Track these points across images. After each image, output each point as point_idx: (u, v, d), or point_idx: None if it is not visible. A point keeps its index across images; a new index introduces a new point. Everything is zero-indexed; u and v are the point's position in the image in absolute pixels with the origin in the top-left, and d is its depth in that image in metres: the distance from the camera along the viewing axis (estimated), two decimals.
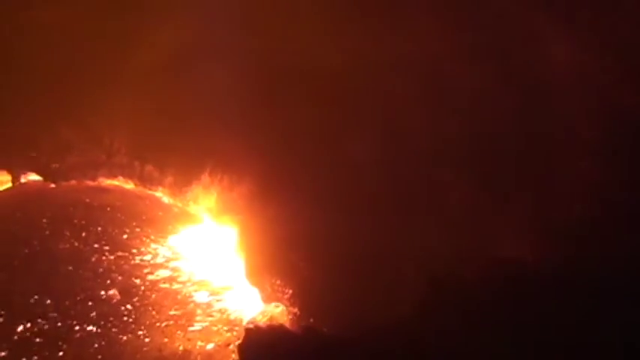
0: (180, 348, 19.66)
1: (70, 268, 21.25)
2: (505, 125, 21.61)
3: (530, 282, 16.84)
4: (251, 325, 20.00)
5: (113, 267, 21.70)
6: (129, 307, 20.51)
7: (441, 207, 20.77)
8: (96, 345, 19.18)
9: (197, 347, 19.79)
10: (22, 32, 25.16)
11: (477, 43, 23.09)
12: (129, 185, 24.78)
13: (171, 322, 20.33)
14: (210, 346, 19.92)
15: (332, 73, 23.40)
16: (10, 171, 24.72)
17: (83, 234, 22.52)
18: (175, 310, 20.81)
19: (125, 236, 22.85)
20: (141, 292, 21.11)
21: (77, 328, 19.58)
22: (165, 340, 19.77)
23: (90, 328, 19.61)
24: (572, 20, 22.70)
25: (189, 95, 23.65)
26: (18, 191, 24.49)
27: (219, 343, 20.09)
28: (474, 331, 16.23)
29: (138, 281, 21.45)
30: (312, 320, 20.32)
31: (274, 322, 20.39)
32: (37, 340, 19.20)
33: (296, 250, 21.30)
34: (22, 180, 24.81)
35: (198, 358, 19.58)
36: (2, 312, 19.71)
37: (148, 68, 24.09)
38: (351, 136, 22.52)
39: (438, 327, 16.69)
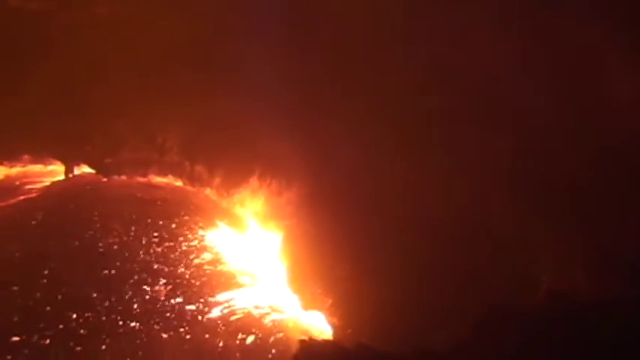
0: (221, 344, 20.01)
1: (118, 263, 21.77)
2: (561, 148, 21.20)
3: (585, 311, 16.56)
4: (305, 337, 20.18)
5: (161, 259, 22.22)
6: (172, 301, 20.92)
7: (495, 229, 20.45)
8: (137, 341, 19.61)
9: (237, 342, 20.16)
10: (81, 29, 25.68)
11: (537, 61, 22.59)
12: (178, 183, 25.32)
13: (213, 315, 20.76)
14: (250, 340, 20.33)
15: (379, 80, 23.23)
16: (64, 162, 25.58)
17: (133, 228, 23.05)
18: (218, 296, 21.30)
19: (174, 225, 23.42)
20: (185, 282, 21.58)
21: (121, 322, 20.05)
22: (207, 335, 20.14)
23: (133, 324, 20.07)
24: (635, 44, 22.22)
25: (241, 99, 23.89)
26: (71, 184, 25.23)
27: (260, 335, 20.49)
28: (524, 355, 16.09)
29: (183, 269, 21.98)
30: (349, 331, 20.47)
31: (327, 337, 20.74)
32: (82, 331, 19.72)
33: (340, 261, 21.38)
34: (76, 172, 25.63)
35: (238, 355, 19.92)
36: (50, 301, 20.28)
37: (200, 72, 24.50)
38: (402, 146, 22.37)
39: (494, 351, 16.56)
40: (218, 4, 25.00)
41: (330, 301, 21.25)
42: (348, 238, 21.46)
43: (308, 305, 21.53)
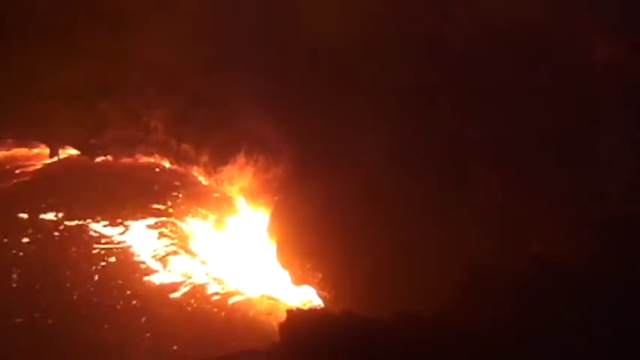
0: (222, 314, 22.00)
1: (118, 246, 23.52)
2: (542, 113, 22.16)
3: (572, 277, 17.11)
4: (293, 307, 21.50)
5: (159, 243, 24.01)
6: (174, 286, 22.71)
7: (480, 197, 21.44)
8: (142, 318, 21.30)
9: (240, 315, 22.15)
10: (62, 7, 25.54)
11: (516, 36, 23.34)
12: (165, 163, 26.50)
13: (218, 297, 22.66)
14: (251, 313, 22.32)
15: (367, 57, 23.86)
16: (49, 145, 26.42)
17: (130, 207, 24.77)
18: (220, 283, 23.17)
19: (170, 203, 25.35)
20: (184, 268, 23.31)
21: (122, 302, 21.67)
22: (215, 310, 22.14)
23: (134, 302, 21.68)
24: (617, 22, 23.35)
25: (227, 76, 24.58)
26: (64, 164, 26.39)
27: (261, 310, 22.41)
28: (510, 321, 16.69)
29: (183, 253, 23.78)
30: (340, 304, 21.56)
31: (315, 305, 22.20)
32: (84, 311, 21.29)
33: (328, 235, 22.35)
34: (61, 154, 26.63)
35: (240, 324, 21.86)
36: (52, 282, 21.91)
37: (184, 49, 24.81)
38: (385, 120, 23.09)
39: (476, 316, 17.17)
40: None
41: (321, 276, 22.38)
42: (337, 212, 22.37)
43: (298, 280, 22.76)
